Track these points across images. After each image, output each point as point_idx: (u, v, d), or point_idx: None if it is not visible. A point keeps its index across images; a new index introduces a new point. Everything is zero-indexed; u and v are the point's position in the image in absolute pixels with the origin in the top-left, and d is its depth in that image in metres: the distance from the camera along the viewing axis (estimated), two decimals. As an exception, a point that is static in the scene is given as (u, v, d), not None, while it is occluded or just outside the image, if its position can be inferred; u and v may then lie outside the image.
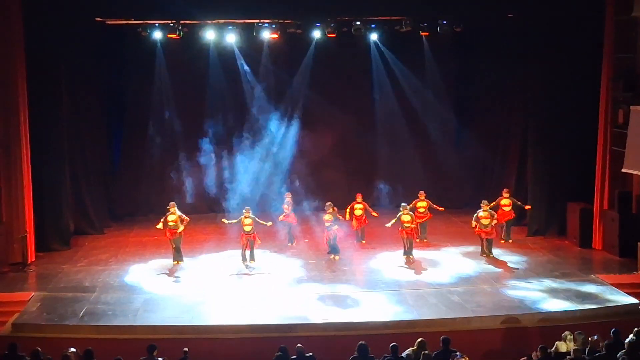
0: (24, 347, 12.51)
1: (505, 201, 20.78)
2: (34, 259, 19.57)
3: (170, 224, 18.99)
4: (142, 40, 21.99)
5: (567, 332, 12.93)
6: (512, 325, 15.24)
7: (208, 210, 24.19)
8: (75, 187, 21.66)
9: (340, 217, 19.87)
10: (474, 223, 19.58)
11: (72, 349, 12.42)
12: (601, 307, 15.91)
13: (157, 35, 21.64)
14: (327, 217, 19.58)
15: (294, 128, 23.78)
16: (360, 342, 12.22)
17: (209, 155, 23.19)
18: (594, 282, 17.49)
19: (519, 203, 20.81)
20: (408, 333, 14.26)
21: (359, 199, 21.03)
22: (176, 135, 23.98)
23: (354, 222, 20.96)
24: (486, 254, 19.57)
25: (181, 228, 19.01)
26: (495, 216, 19.67)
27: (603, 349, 12.17)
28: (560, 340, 12.82)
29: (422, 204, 20.92)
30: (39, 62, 19.49)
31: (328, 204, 19.91)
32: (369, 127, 24.91)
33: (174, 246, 19.16)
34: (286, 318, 15.55)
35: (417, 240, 20.75)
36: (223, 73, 23.76)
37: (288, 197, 21.09)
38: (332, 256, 19.47)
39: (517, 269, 18.71)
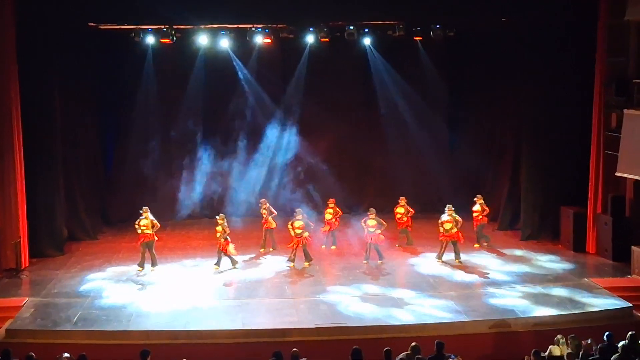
0: (17, 353, 12.50)
1: (476, 207, 20.76)
2: (27, 265, 19.49)
3: (142, 228, 19.12)
4: (134, 46, 21.97)
5: (559, 336, 12.98)
6: (506, 329, 15.27)
7: (201, 215, 24.14)
8: (69, 193, 21.58)
9: (311, 223, 19.65)
10: (441, 229, 19.56)
11: (66, 355, 12.41)
12: (594, 311, 15.94)
13: (150, 40, 21.58)
14: (297, 223, 19.33)
15: (288, 133, 23.66)
16: (354, 347, 12.20)
17: (202, 160, 23.18)
18: (588, 286, 17.52)
19: (485, 210, 20.77)
20: (402, 337, 14.28)
21: (331, 204, 21.01)
22: (170, 141, 23.91)
23: (325, 226, 20.94)
24: (457, 258, 19.48)
25: (147, 231, 19.08)
26: (460, 222, 19.46)
27: (596, 353, 12.19)
28: (553, 345, 12.86)
29: (399, 210, 20.93)
30: (31, 67, 19.41)
31: (298, 210, 19.82)
32: (362, 132, 24.85)
33: (142, 251, 19.16)
34: (280, 323, 15.54)
35: (400, 245, 20.96)
36: (216, 78, 23.70)
37: (264, 204, 21.01)
38: (298, 264, 19.36)
39: (510, 273, 18.67)
